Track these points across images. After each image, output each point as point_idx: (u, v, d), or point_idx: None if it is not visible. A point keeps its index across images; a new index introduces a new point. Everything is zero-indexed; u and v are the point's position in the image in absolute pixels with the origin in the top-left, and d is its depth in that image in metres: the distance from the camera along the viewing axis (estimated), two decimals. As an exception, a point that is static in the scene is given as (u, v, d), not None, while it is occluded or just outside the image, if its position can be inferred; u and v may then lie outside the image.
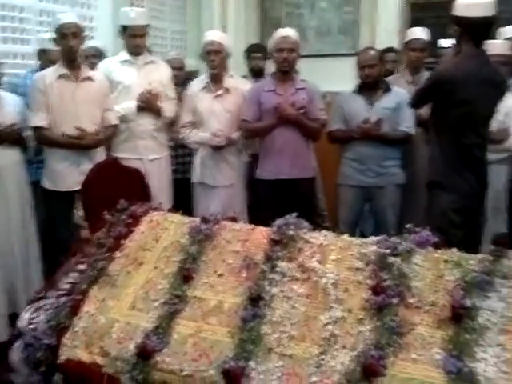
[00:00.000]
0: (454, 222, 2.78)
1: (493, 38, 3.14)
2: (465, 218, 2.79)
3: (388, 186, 3.43)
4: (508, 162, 3.43)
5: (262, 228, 2.11)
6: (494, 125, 3.03)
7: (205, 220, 2.15)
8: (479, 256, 1.80)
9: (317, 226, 2.15)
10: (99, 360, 1.81)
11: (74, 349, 1.85)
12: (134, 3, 4.67)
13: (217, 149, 3.46)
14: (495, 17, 2.69)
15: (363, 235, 2.85)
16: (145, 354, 1.74)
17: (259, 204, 3.45)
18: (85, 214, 2.62)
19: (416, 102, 3.02)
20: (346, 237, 2.01)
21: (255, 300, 1.82)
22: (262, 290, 1.84)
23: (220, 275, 1.97)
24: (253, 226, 2.15)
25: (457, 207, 2.77)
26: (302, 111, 3.33)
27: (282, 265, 1.92)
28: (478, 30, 2.69)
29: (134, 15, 3.39)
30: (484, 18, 2.66)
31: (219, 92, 3.51)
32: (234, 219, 2.25)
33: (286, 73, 3.39)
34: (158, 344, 1.76)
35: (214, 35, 3.58)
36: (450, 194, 2.78)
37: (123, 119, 3.40)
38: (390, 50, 4.40)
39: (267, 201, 3.37)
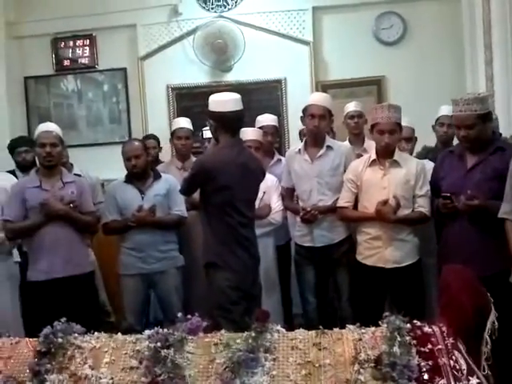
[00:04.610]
0: (232, 298, 2.92)
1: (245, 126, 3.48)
2: (242, 294, 2.95)
3: (169, 270, 3.49)
4: (272, 235, 3.74)
5: (28, 340, 1.96)
6: (257, 202, 3.31)
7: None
8: (245, 334, 1.91)
9: (101, 322, 2.08)
10: None
11: None
12: None
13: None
14: (243, 110, 3.01)
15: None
16: None
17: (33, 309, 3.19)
18: None
19: (186, 190, 3.18)
20: (119, 336, 1.97)
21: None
22: (28, 410, 1.70)
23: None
24: (17, 339, 1.99)
25: (233, 284, 2.92)
26: (72, 205, 3.26)
27: (52, 378, 1.80)
28: (231, 122, 2.97)
29: None
30: (235, 112, 2.96)
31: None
32: (-6, 334, 2.05)
33: (50, 167, 3.31)
34: None
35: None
36: (225, 272, 2.93)
37: None
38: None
39: (42, 304, 3.14)
